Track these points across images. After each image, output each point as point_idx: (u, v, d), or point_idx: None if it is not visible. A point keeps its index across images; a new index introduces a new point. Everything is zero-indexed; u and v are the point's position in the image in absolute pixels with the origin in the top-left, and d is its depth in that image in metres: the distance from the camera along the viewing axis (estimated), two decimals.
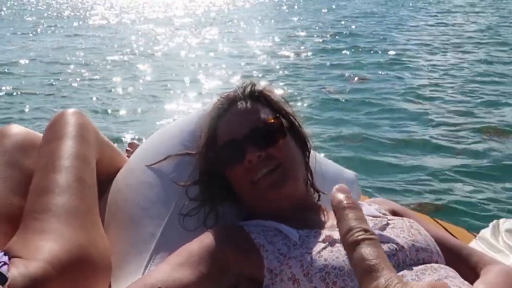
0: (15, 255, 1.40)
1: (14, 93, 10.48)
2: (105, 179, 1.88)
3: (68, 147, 1.71)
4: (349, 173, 2.22)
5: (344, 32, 17.16)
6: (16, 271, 1.31)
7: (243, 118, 1.66)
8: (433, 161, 6.38)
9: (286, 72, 11.98)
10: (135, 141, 2.47)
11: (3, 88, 10.74)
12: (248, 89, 1.74)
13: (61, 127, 1.78)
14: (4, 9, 28.99)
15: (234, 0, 33.89)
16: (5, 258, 1.38)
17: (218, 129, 1.71)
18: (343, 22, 20.09)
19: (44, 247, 1.41)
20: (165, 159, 1.82)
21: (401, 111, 8.49)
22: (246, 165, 1.58)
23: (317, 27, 19.12)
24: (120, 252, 1.66)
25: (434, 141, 7.01)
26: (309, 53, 14.12)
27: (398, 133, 7.43)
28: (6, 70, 12.71)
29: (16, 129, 1.83)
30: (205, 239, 1.48)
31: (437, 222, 2.80)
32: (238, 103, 1.70)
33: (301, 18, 22.35)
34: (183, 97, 10.07)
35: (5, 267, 1.32)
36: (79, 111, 1.89)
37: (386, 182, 5.86)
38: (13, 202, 1.64)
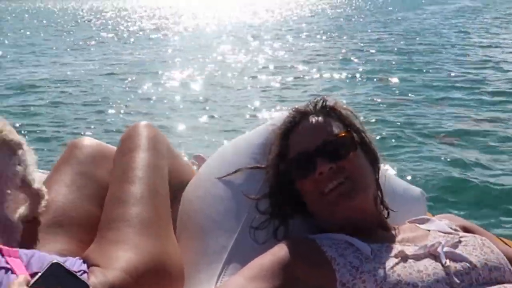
0: (93, 263, 1.44)
1: (89, 105, 10.68)
2: (174, 189, 1.90)
3: (141, 158, 1.75)
4: (416, 190, 2.19)
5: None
6: (95, 279, 1.35)
7: (315, 131, 1.66)
8: None
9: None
10: (201, 154, 2.48)
11: (79, 101, 11.04)
12: (320, 103, 1.74)
13: (134, 139, 1.82)
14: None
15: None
16: (84, 266, 1.42)
17: (289, 142, 1.71)
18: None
19: (121, 257, 1.45)
20: (235, 172, 1.83)
21: None
22: (316, 176, 1.57)
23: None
24: (192, 262, 1.68)
25: None
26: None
27: None
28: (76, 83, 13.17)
29: (88, 141, 1.89)
30: (277, 252, 1.48)
31: (502, 240, 2.72)
32: (310, 116, 1.70)
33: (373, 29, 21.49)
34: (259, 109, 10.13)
35: (85, 275, 1.36)
36: (150, 124, 1.93)
37: None
38: (88, 211, 1.70)
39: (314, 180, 1.59)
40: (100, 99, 11.56)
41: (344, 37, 21.61)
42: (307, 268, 1.44)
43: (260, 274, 1.39)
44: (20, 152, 1.60)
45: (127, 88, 12.94)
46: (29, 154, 1.63)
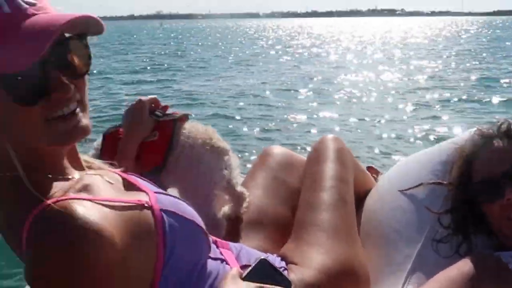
0: (291, 261, 1.57)
1: (259, 119, 10.92)
2: (357, 198, 1.97)
3: (330, 169, 1.86)
4: None
5: None
6: (294, 276, 1.47)
7: (500, 155, 1.66)
8: None
9: None
10: (373, 166, 2.50)
11: (252, 114, 11.41)
12: (504, 127, 1.72)
13: (323, 151, 1.94)
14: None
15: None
16: (283, 264, 1.54)
17: (473, 165, 1.72)
18: None
19: (316, 258, 1.57)
20: (418, 186, 1.87)
21: None
22: (505, 202, 1.57)
23: None
24: (376, 268, 1.75)
25: None
26: None
27: None
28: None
29: (278, 150, 2.04)
30: (463, 267, 1.50)
31: None
32: (494, 141, 1.70)
33: None
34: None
35: (285, 272, 1.48)
36: (337, 137, 2.03)
37: None
38: (281, 212, 1.83)
39: (502, 205, 1.59)
40: (270, 111, 11.82)
41: None
42: (493, 285, 1.46)
43: (451, 285, 1.42)
44: (226, 158, 1.75)
45: (302, 103, 13.06)
46: (234, 160, 1.78)
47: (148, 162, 1.70)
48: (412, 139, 9.06)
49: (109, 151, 1.66)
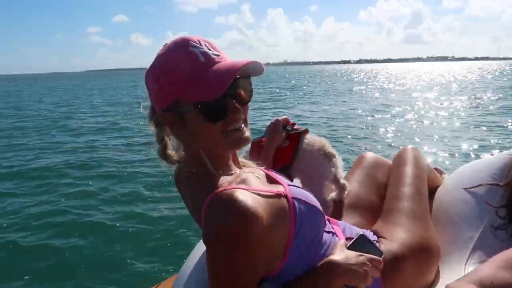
0: (381, 236, 1.42)
1: (364, 137, 10.37)
2: (429, 192, 1.77)
3: (409, 170, 1.70)
4: None
5: None
6: (383, 247, 1.33)
7: None
8: None
9: None
10: (439, 168, 2.25)
11: (355, 132, 11.10)
12: None
13: (404, 157, 1.78)
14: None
15: None
16: (375, 237, 1.40)
17: None
18: None
19: (400, 234, 1.41)
20: (479, 186, 1.65)
21: None
22: None
23: None
24: (445, 245, 1.55)
25: None
26: None
27: None
28: None
29: (370, 154, 1.89)
30: None
31: None
32: None
33: None
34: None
35: (378, 243, 1.35)
36: (415, 147, 1.85)
37: None
38: (371, 199, 1.69)
39: None
40: (369, 128, 11.36)
41: None
42: None
43: (507, 264, 1.21)
44: (334, 159, 1.68)
45: (391, 119, 12.62)
46: (339, 162, 1.71)
47: (281, 161, 1.70)
48: (473, 149, 8.31)
49: (255, 154, 1.68)
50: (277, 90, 28.49)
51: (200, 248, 1.37)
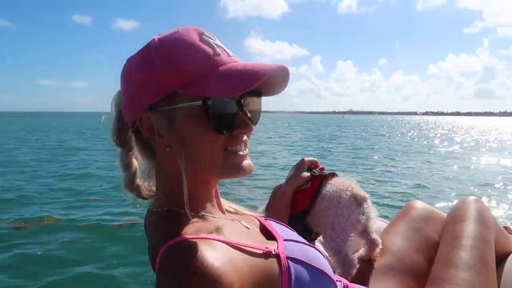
0: None
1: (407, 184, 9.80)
2: (497, 260, 1.31)
3: (471, 229, 1.26)
4: None
5: None
6: None
7: None
8: None
9: None
10: (510, 227, 1.75)
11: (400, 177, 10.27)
12: None
13: (465, 210, 1.34)
14: None
15: None
16: None
17: None
18: None
19: None
20: None
21: None
22: None
23: None
24: None
25: None
26: None
27: None
28: None
29: (421, 205, 1.49)
30: None
31: None
32: None
33: None
34: None
35: None
36: (479, 199, 1.40)
37: None
38: (416, 261, 1.27)
39: None
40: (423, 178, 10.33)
41: None
42: None
43: None
44: (365, 205, 1.28)
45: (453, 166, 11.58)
46: (372, 209, 1.30)
47: (300, 205, 1.35)
48: None
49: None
50: (327, 138, 27.24)
51: None
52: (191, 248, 0.66)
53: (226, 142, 0.76)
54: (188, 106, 0.73)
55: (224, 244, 0.71)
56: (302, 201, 1.34)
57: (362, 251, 1.30)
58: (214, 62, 0.74)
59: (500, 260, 1.33)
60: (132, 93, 0.78)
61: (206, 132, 0.74)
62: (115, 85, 0.86)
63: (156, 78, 0.74)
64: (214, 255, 0.66)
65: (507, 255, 1.37)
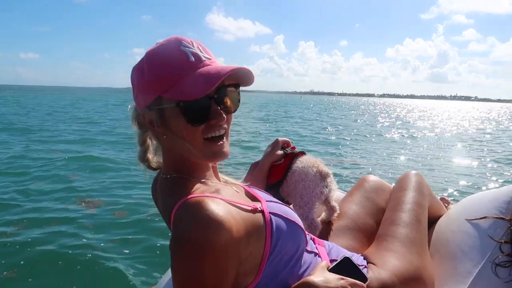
0: (371, 262, 1.28)
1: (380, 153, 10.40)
2: (429, 221, 1.61)
3: (410, 196, 1.55)
4: None
5: None
6: (372, 274, 1.20)
7: None
8: None
9: None
10: (445, 197, 2.06)
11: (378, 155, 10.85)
12: None
13: (406, 182, 1.63)
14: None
15: None
16: (364, 262, 1.27)
17: None
18: None
19: (392, 262, 1.27)
20: (483, 218, 1.47)
21: None
22: None
23: None
24: (441, 277, 1.39)
25: None
26: None
27: None
28: None
29: (373, 178, 1.77)
30: None
31: None
32: None
33: None
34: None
35: (365, 269, 1.21)
36: (419, 173, 1.70)
37: None
38: (367, 222, 1.56)
39: None
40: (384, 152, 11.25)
41: None
42: None
43: None
44: (328, 179, 1.55)
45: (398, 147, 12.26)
46: (333, 183, 1.57)
47: (274, 178, 1.60)
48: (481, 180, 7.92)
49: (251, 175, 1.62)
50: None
51: None
52: (199, 203, 0.87)
53: (204, 131, 0.96)
54: (169, 107, 0.94)
55: (223, 201, 0.92)
56: (276, 174, 1.58)
57: (323, 215, 1.57)
58: (188, 69, 0.93)
59: (432, 222, 1.64)
60: (135, 95, 1.01)
61: (185, 126, 0.94)
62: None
63: (145, 85, 0.96)
64: (217, 207, 0.87)
65: (438, 218, 1.68)
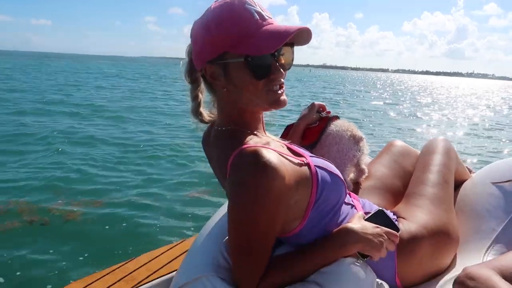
0: (400, 216, 1.36)
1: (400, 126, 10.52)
2: (456, 183, 1.67)
3: (438, 158, 1.61)
4: None
5: None
6: (402, 226, 1.27)
7: None
8: None
9: None
10: (468, 166, 2.12)
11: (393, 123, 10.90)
12: None
13: (433, 146, 1.69)
14: None
15: None
16: (395, 217, 1.35)
17: None
18: None
19: (421, 216, 1.35)
20: (507, 181, 1.55)
21: None
22: None
23: None
24: (466, 233, 1.48)
25: None
26: None
27: None
28: None
29: (400, 142, 1.82)
30: None
31: None
32: None
33: None
34: None
35: (396, 222, 1.29)
36: (446, 138, 1.75)
37: None
38: (395, 183, 1.62)
39: None
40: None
41: None
42: None
43: None
44: (361, 143, 1.60)
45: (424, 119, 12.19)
46: (365, 147, 1.63)
47: (308, 140, 1.65)
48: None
49: (286, 135, 1.67)
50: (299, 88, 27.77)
51: (222, 211, 1.36)
52: (256, 151, 0.95)
53: (266, 84, 1.03)
54: (235, 61, 1.00)
55: (275, 152, 0.99)
56: (310, 136, 1.64)
57: (351, 176, 1.63)
58: (254, 26, 0.99)
59: (457, 186, 1.71)
60: (198, 49, 1.05)
61: (250, 79, 1.00)
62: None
63: (212, 41, 1.00)
64: (272, 155, 0.95)
65: (462, 182, 1.75)
